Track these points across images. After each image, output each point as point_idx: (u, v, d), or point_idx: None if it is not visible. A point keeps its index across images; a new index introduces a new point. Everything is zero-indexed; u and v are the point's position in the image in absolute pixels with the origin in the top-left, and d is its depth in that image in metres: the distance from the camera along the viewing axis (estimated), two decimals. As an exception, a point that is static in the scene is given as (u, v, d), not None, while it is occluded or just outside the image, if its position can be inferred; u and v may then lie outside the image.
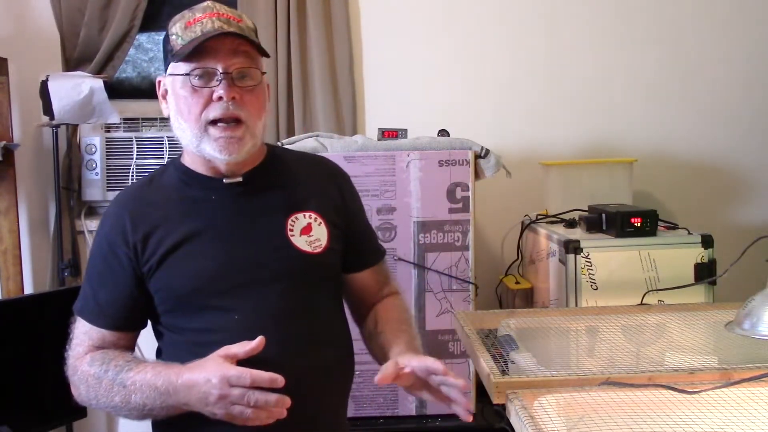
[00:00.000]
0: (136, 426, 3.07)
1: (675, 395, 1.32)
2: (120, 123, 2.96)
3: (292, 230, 1.54)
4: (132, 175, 3.00)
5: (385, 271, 1.75)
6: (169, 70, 1.50)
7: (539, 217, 2.77)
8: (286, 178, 1.61)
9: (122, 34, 2.97)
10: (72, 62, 2.98)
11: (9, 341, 2.16)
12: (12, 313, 2.24)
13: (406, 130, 2.61)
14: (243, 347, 1.38)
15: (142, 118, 3.02)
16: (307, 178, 1.63)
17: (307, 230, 1.56)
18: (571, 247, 2.33)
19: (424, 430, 2.49)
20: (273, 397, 1.35)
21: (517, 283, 2.78)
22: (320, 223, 1.57)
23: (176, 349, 1.53)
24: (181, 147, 1.58)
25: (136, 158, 3.01)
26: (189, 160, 1.57)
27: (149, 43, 3.26)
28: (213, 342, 1.44)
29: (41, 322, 2.24)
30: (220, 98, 1.45)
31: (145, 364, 1.46)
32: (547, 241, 2.55)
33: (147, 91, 3.24)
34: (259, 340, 1.38)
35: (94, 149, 3.00)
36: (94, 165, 3.00)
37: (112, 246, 1.53)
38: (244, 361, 1.38)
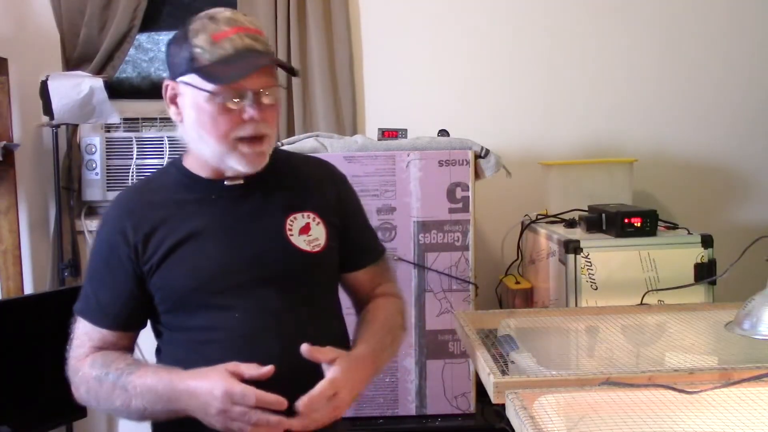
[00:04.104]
0: (136, 427, 3.09)
1: (675, 395, 1.32)
2: (120, 123, 2.96)
3: (290, 230, 1.56)
4: (132, 175, 3.00)
5: (383, 271, 1.74)
6: (189, 80, 1.47)
7: (539, 217, 2.77)
8: (285, 180, 1.61)
9: (122, 34, 2.97)
10: (72, 62, 2.97)
11: (9, 341, 2.16)
12: (12, 313, 2.24)
13: (406, 130, 2.61)
14: (251, 370, 1.39)
15: (142, 118, 3.02)
16: (306, 179, 1.64)
17: (305, 230, 1.57)
18: (571, 247, 2.33)
19: (424, 430, 2.48)
20: (274, 419, 1.36)
21: (517, 283, 2.78)
22: (318, 222, 1.59)
23: (176, 347, 1.55)
24: (181, 147, 1.58)
25: (136, 158, 3.00)
26: (191, 163, 1.58)
27: (149, 43, 3.26)
28: (213, 340, 1.47)
29: (41, 322, 2.24)
30: (251, 118, 1.45)
31: (147, 368, 1.48)
32: (547, 241, 2.55)
33: (147, 91, 3.24)
34: (268, 369, 1.38)
35: (94, 149, 3.00)
36: (94, 165, 3.00)
37: (112, 246, 1.53)
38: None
